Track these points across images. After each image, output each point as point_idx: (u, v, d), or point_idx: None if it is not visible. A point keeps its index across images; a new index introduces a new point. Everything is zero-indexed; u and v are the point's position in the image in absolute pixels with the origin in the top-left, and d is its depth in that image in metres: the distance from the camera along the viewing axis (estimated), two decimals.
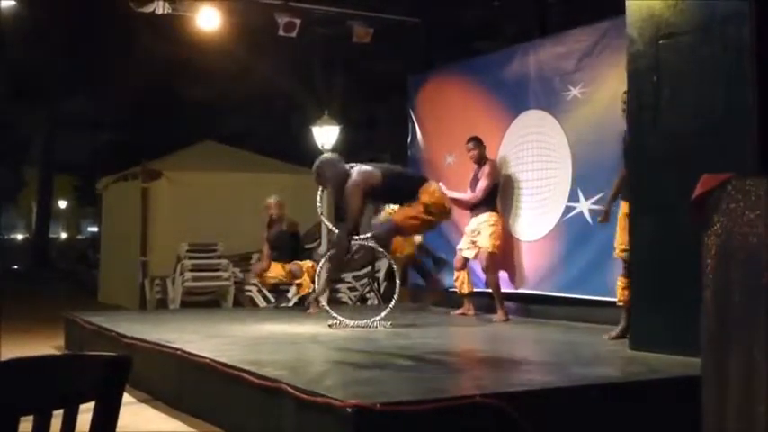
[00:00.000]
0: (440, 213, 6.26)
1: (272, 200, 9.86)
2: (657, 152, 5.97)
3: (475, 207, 8.82)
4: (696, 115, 5.68)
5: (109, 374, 1.86)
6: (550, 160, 8.64)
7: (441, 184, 7.36)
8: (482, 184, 8.71)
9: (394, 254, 7.69)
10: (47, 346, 9.00)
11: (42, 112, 26.36)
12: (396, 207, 6.39)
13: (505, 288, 8.79)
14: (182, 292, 12.12)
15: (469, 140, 8.90)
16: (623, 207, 6.76)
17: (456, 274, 8.97)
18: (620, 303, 6.80)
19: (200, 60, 16.82)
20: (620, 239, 6.75)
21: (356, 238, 6.93)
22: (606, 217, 7.24)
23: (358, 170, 6.20)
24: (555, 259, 8.52)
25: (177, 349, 6.25)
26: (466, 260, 8.92)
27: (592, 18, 8.43)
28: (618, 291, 6.81)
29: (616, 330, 6.81)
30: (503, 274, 8.83)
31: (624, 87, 6.45)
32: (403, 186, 6.24)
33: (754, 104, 5.27)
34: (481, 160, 8.84)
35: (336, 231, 8.37)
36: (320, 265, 8.87)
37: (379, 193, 6.28)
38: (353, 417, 4.02)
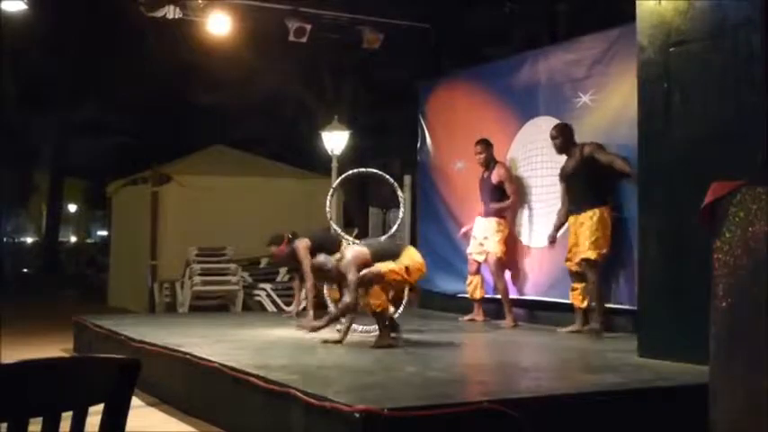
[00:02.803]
0: (416, 277, 7.20)
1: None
2: (667, 159, 5.96)
3: (485, 210, 8.84)
4: (706, 122, 5.68)
5: (118, 377, 1.86)
6: (559, 167, 8.62)
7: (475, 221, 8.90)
8: (510, 187, 8.78)
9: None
10: (56, 349, 9.02)
11: (52, 117, 26.43)
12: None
13: (513, 294, 8.78)
14: (191, 297, 12.13)
15: (477, 143, 8.93)
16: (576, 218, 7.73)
17: (470, 278, 8.98)
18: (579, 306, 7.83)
19: (211, 65, 16.83)
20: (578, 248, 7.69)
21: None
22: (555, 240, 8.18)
23: (351, 251, 7.04)
24: (563, 266, 8.50)
25: (186, 353, 6.26)
26: (479, 264, 8.93)
27: (602, 25, 8.43)
28: (573, 296, 7.87)
29: (571, 327, 7.85)
30: (511, 281, 8.83)
31: (635, 95, 6.44)
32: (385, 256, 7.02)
33: (764, 111, 5.25)
34: (489, 163, 8.86)
35: (346, 237, 8.43)
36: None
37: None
38: (361, 422, 4.03)
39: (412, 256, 7.05)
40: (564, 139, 8.01)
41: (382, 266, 6.88)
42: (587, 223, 7.66)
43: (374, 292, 6.80)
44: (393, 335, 7.05)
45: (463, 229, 9.36)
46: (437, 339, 7.54)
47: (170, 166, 14.47)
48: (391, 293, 7.12)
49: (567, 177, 8.03)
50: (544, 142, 8.82)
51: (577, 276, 7.85)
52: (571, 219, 7.90)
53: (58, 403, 1.75)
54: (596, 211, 7.62)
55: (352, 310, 7.00)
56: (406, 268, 6.94)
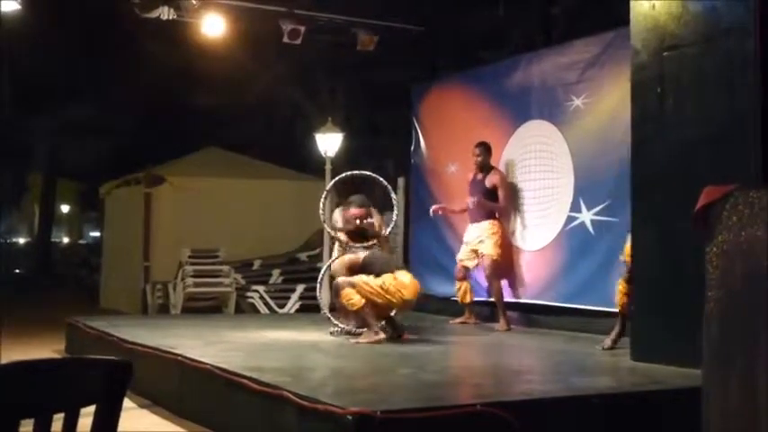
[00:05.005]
0: (399, 296, 7.20)
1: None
2: (661, 163, 5.97)
3: (475, 215, 8.82)
4: (700, 126, 5.69)
5: (110, 379, 1.86)
6: (552, 170, 8.64)
7: (471, 200, 8.72)
8: (502, 193, 8.76)
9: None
10: (48, 350, 9.00)
11: (45, 118, 26.37)
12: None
13: (507, 297, 8.78)
14: (183, 298, 12.12)
15: (478, 145, 8.89)
16: None
17: (458, 284, 8.96)
18: (619, 308, 6.83)
19: (205, 67, 16.80)
20: None
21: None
22: None
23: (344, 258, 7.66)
24: (557, 269, 8.51)
25: (178, 355, 6.25)
26: (467, 270, 8.91)
27: (596, 29, 8.44)
28: (618, 296, 6.78)
29: (610, 337, 6.84)
30: (504, 284, 8.82)
31: (628, 98, 6.45)
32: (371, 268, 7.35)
33: (757, 116, 5.27)
34: (485, 167, 8.85)
35: (339, 237, 8.40)
36: (321, 272, 8.86)
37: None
38: (354, 424, 4.03)
39: (397, 277, 7.25)
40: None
41: (356, 278, 7.22)
42: None
43: (343, 293, 7.16)
44: (385, 333, 7.27)
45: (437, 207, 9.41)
46: (430, 342, 7.54)
47: (163, 167, 14.45)
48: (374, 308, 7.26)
49: None
50: (538, 145, 8.84)
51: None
52: None
53: (49, 405, 1.75)
54: None
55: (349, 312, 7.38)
56: (382, 286, 7.14)
